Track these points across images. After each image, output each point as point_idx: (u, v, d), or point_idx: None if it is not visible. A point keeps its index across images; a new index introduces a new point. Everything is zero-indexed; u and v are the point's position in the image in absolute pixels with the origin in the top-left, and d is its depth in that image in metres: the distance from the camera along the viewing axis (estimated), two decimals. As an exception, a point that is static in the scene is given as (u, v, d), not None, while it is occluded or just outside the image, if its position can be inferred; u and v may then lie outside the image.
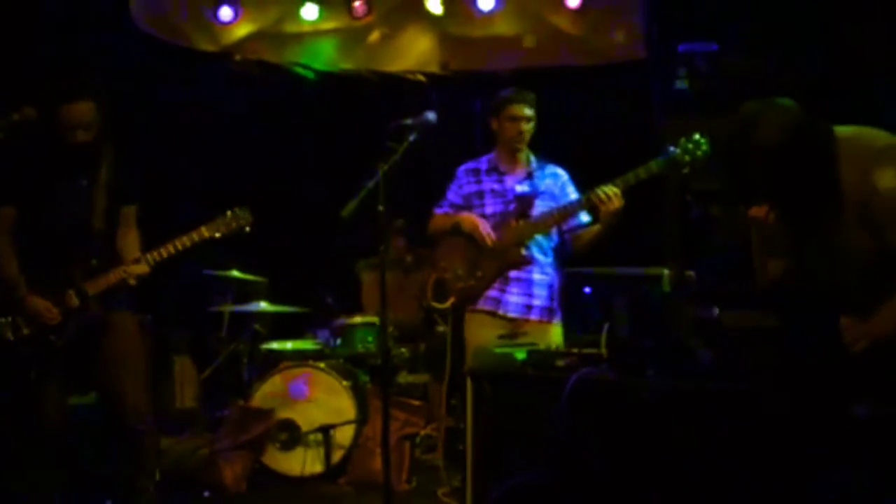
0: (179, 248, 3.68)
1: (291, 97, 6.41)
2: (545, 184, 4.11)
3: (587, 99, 6.11)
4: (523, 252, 3.99)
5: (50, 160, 3.62)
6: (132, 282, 3.61)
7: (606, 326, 3.00)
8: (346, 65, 6.36)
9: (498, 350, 3.27)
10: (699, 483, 2.55)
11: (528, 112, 4.05)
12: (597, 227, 3.97)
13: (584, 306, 4.38)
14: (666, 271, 4.53)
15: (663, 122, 5.60)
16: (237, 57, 6.23)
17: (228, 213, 3.75)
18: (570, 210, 3.97)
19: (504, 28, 6.11)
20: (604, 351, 3.07)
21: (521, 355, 3.14)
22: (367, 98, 6.29)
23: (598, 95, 6.04)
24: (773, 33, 5.13)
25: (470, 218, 4.06)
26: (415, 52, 6.27)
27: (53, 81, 3.58)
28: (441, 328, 5.43)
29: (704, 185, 5.88)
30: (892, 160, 2.45)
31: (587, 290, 4.62)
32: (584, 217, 4.03)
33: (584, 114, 6.11)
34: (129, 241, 3.70)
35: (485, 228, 4.00)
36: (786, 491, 2.41)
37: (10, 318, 3.54)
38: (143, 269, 3.61)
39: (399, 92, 6.23)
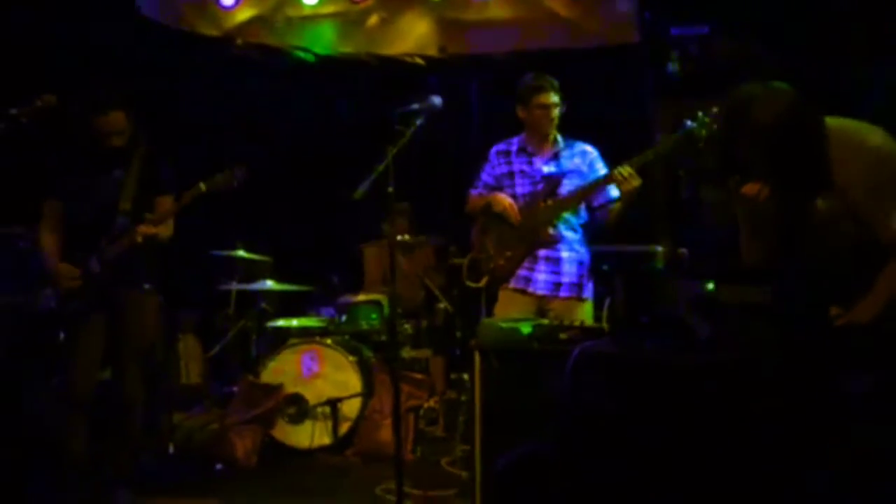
0: (183, 204, 3.94)
1: (293, 80, 6.50)
2: (573, 163, 4.23)
3: (581, 81, 6.23)
4: (551, 231, 4.13)
5: (90, 158, 3.93)
6: (139, 239, 3.83)
7: (608, 301, 3.16)
8: (346, 48, 6.44)
9: (504, 324, 3.41)
10: (697, 450, 2.67)
11: (555, 98, 4.17)
12: (618, 205, 4.11)
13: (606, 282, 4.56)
14: (659, 248, 4.72)
15: (655, 104, 5.77)
16: (238, 41, 6.32)
17: (226, 169, 3.99)
18: (594, 186, 4.10)
19: (500, 12, 6.22)
20: (605, 325, 3.24)
21: (526, 329, 3.28)
22: (368, 81, 6.40)
23: (591, 78, 6.16)
24: (762, 16, 5.25)
25: (500, 198, 4.20)
26: (413, 36, 6.36)
27: (87, 93, 3.88)
28: (442, 305, 5.61)
29: (699, 163, 6.05)
30: (869, 155, 2.60)
31: (605, 266, 4.79)
32: (614, 191, 4.13)
33: (578, 96, 6.23)
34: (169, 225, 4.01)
35: (513, 209, 4.16)
36: (781, 459, 2.54)
37: (46, 290, 3.89)
38: (148, 228, 3.85)
39: (398, 75, 6.33)
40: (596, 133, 4.42)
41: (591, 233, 4.30)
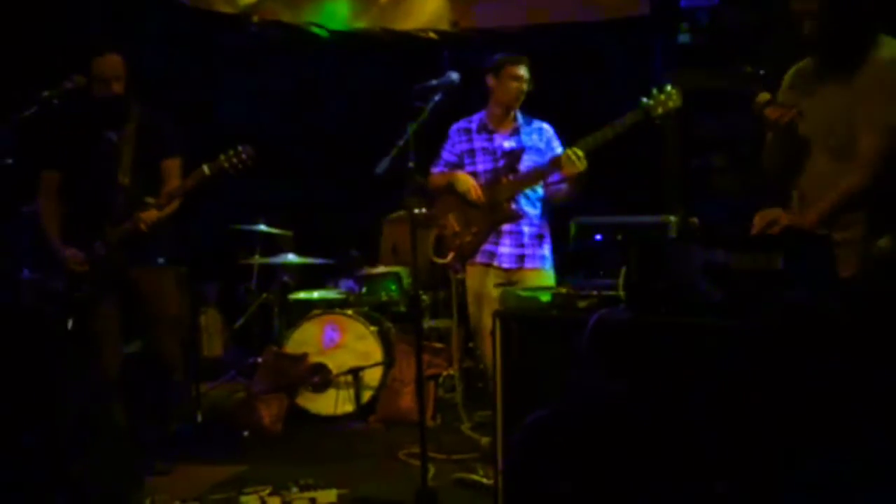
0: (186, 188, 3.83)
1: (311, 56, 6.60)
2: (531, 139, 4.33)
3: (592, 53, 6.31)
4: (513, 206, 4.24)
5: (81, 120, 3.82)
6: (143, 227, 3.77)
7: (623, 270, 3.25)
8: (360, 24, 6.52)
9: (523, 293, 3.53)
10: (710, 412, 2.77)
11: (526, 73, 4.28)
12: (564, 189, 4.20)
13: (596, 252, 4.67)
14: (672, 218, 4.82)
15: (666, 75, 5.83)
16: (255, 18, 6.41)
17: (230, 150, 3.84)
18: (544, 173, 4.18)
19: (511, -14, 6.30)
20: (621, 293, 3.35)
21: (545, 297, 3.39)
22: (383, 55, 6.49)
23: (602, 50, 6.24)
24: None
25: (463, 177, 4.30)
26: (426, 11, 6.42)
27: (84, 39, 3.87)
28: (461, 276, 5.72)
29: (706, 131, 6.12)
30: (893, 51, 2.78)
31: (598, 237, 4.91)
32: (558, 148, 4.27)
33: (588, 68, 6.31)
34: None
35: (475, 187, 4.26)
36: (791, 419, 2.64)
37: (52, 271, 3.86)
38: (151, 214, 3.77)
39: (411, 49, 6.42)
40: (603, 107, 4.50)
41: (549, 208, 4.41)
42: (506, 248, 4.28)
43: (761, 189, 3.39)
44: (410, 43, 6.41)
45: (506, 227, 4.27)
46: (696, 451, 2.66)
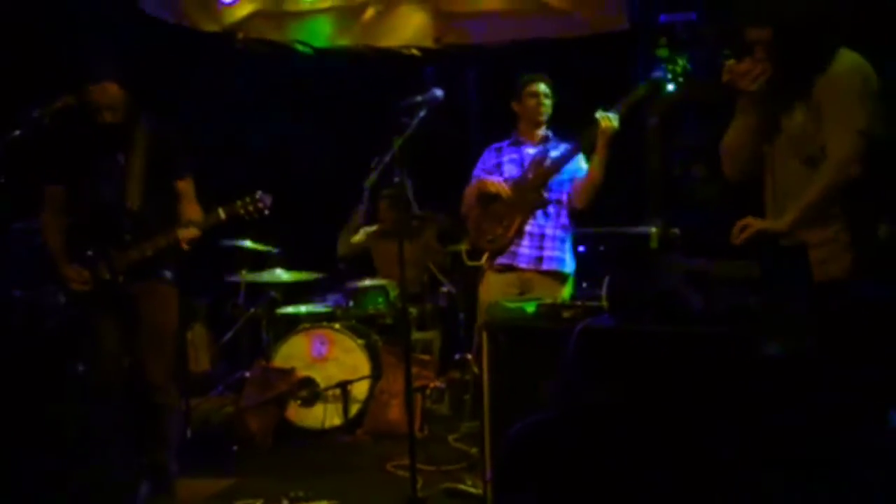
0: (202, 229, 3.74)
1: (295, 72, 6.65)
2: (558, 151, 4.41)
3: (574, 70, 6.39)
4: (542, 193, 4.33)
5: (89, 139, 3.74)
6: (185, 246, 3.71)
7: (606, 281, 3.32)
8: (344, 41, 6.57)
9: (510, 304, 3.59)
10: (693, 417, 2.83)
11: (545, 89, 4.43)
12: (596, 158, 4.24)
13: (579, 262, 4.75)
14: (654, 228, 4.91)
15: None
16: (240, 36, 6.46)
17: (248, 196, 3.78)
18: (577, 149, 4.30)
19: (493, 3, 6.35)
20: (604, 303, 3.42)
21: (530, 308, 3.46)
22: (367, 72, 6.55)
23: (584, 66, 6.32)
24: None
25: (488, 179, 4.41)
26: (409, 28, 6.48)
27: (81, 63, 3.71)
28: (445, 288, 5.80)
29: (687, 143, 6.22)
30: (861, 73, 2.85)
31: (581, 248, 5.00)
32: (584, 165, 4.36)
33: (571, 84, 6.39)
34: (192, 213, 3.81)
35: (502, 184, 4.36)
36: (771, 422, 2.70)
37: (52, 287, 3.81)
38: (193, 232, 3.70)
39: (395, 66, 6.48)
40: (586, 120, 4.57)
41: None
42: (525, 249, 4.35)
43: (742, 199, 3.45)
44: (394, 59, 6.48)
45: (528, 227, 4.34)
46: (681, 458, 2.71)
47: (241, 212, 3.75)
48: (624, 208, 5.45)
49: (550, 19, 6.25)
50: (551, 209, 4.38)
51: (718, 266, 2.82)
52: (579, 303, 3.44)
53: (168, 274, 3.87)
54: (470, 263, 4.47)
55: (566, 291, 4.36)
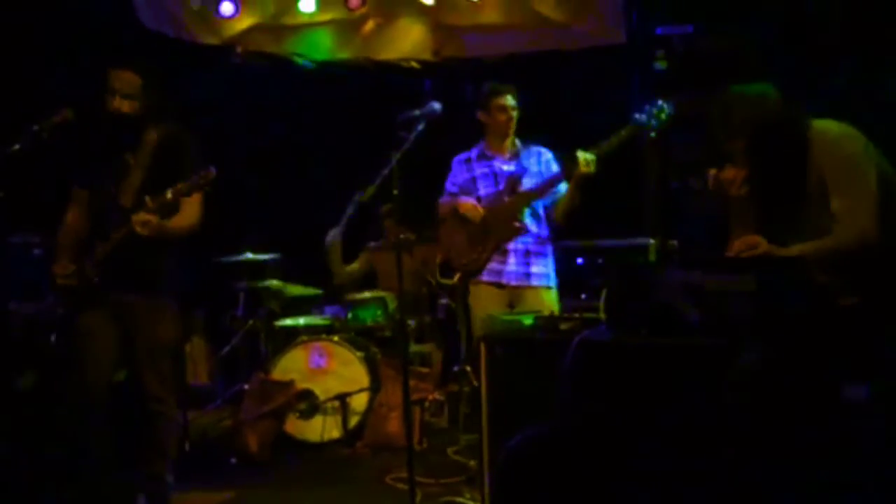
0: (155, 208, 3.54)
1: (295, 85, 6.68)
2: (530, 162, 4.46)
3: (571, 82, 6.42)
4: (518, 224, 4.34)
5: (105, 140, 3.71)
6: (141, 230, 3.48)
7: (604, 293, 3.33)
8: (344, 54, 6.60)
9: (507, 317, 3.60)
10: (690, 429, 2.83)
11: (513, 102, 4.43)
12: (568, 192, 4.29)
13: (579, 275, 4.78)
14: (651, 241, 4.93)
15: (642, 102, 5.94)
16: (239, 49, 6.49)
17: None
18: (555, 181, 4.32)
19: (491, 16, 6.38)
20: (602, 315, 3.43)
21: (528, 321, 3.47)
22: (366, 85, 6.58)
23: (581, 78, 6.35)
24: (746, 16, 5.45)
25: (465, 201, 4.42)
26: (408, 41, 6.52)
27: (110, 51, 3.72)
28: (443, 301, 5.80)
29: (684, 156, 6.24)
30: (849, 137, 2.83)
31: (579, 260, 5.02)
32: (563, 187, 4.37)
33: (568, 96, 6.42)
34: (188, 214, 3.67)
35: (477, 209, 4.37)
36: (767, 433, 2.71)
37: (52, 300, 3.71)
38: (148, 216, 3.49)
39: (394, 79, 6.52)
40: (583, 132, 4.60)
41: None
42: (512, 267, 4.37)
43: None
44: (394, 72, 6.51)
45: (511, 245, 4.36)
46: (677, 471, 2.71)
47: (185, 189, 3.55)
48: (622, 221, 5.47)
49: (548, 32, 6.28)
50: (532, 225, 4.39)
51: (714, 279, 2.83)
52: (577, 315, 3.45)
53: (167, 286, 3.78)
54: (442, 281, 4.49)
55: (553, 303, 4.39)
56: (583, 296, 4.60)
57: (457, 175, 4.56)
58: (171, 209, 3.60)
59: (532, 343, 3.38)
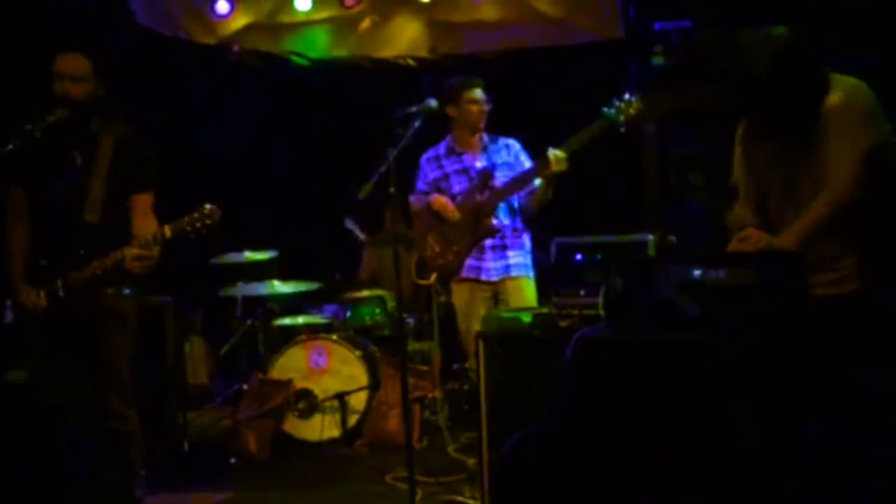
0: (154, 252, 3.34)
1: (291, 83, 6.66)
2: (501, 156, 4.47)
3: (568, 77, 6.40)
4: (492, 221, 4.34)
5: (47, 134, 3.40)
6: (132, 266, 3.29)
7: (603, 289, 3.31)
8: (340, 52, 6.60)
9: (505, 314, 3.59)
10: (690, 425, 2.82)
11: (483, 95, 4.43)
12: (541, 189, 4.28)
13: (576, 271, 4.75)
14: (650, 237, 4.90)
15: (642, 96, 5.95)
16: (235, 48, 6.47)
17: (196, 212, 3.34)
18: (527, 178, 4.31)
19: (488, 12, 6.38)
20: (601, 311, 3.41)
21: (527, 318, 3.46)
22: (363, 82, 6.57)
23: (578, 74, 6.33)
24: (744, 11, 5.43)
25: (438, 199, 4.42)
26: (404, 38, 6.51)
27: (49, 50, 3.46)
28: (443, 298, 5.77)
29: (684, 151, 6.24)
30: (860, 88, 2.81)
31: (578, 256, 4.99)
32: (538, 182, 4.36)
33: (564, 92, 6.41)
34: (144, 230, 3.40)
35: (451, 207, 4.36)
36: (765, 428, 2.69)
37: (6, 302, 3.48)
38: (135, 251, 3.30)
39: (391, 76, 6.50)
40: (581, 128, 4.57)
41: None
42: (491, 263, 4.39)
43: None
44: (389, 69, 6.49)
45: (489, 242, 4.38)
46: (679, 467, 2.70)
47: (189, 228, 3.32)
48: (621, 216, 5.45)
49: (545, 28, 6.28)
50: (506, 220, 4.39)
51: (713, 274, 2.81)
52: (576, 311, 3.44)
53: (125, 291, 3.52)
54: (419, 282, 4.48)
55: (532, 293, 4.41)
56: (581, 292, 4.55)
57: (427, 173, 4.55)
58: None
59: (531, 340, 3.38)
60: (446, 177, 4.47)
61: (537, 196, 4.35)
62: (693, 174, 6.25)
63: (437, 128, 4.47)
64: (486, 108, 4.44)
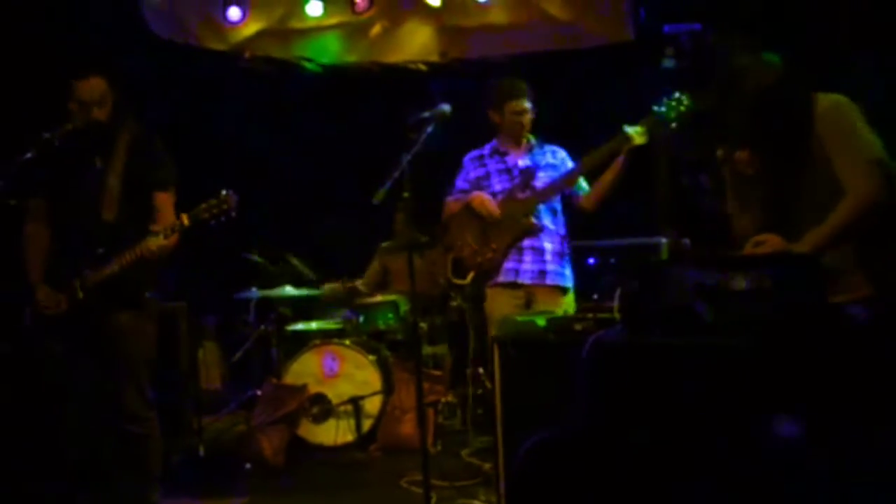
0: (171, 242, 3.45)
1: (302, 89, 6.69)
2: (546, 158, 4.40)
3: (579, 81, 6.41)
4: (532, 220, 4.28)
5: (69, 144, 3.51)
6: (152, 252, 3.38)
7: (618, 293, 3.31)
8: (351, 58, 6.63)
9: (520, 318, 3.58)
10: (704, 429, 2.81)
11: (528, 105, 4.36)
12: (613, 173, 4.20)
13: (592, 275, 4.75)
14: (663, 240, 4.90)
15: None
16: (246, 54, 6.50)
17: (213, 199, 3.45)
18: (571, 179, 4.25)
19: (498, 17, 6.39)
20: (616, 315, 3.41)
21: (541, 322, 3.45)
22: (374, 87, 6.59)
23: (589, 77, 6.34)
24: (754, 13, 5.43)
25: (478, 196, 4.32)
26: (415, 43, 6.53)
27: (66, 60, 3.59)
28: (456, 303, 5.78)
29: (695, 153, 6.22)
30: (847, 104, 2.80)
31: (591, 260, 4.99)
32: (584, 185, 4.32)
33: (576, 95, 6.41)
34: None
35: (492, 203, 4.30)
36: (781, 431, 2.69)
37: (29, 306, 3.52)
38: (158, 240, 3.39)
39: (402, 81, 6.52)
40: (591, 131, 4.57)
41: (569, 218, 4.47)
42: (528, 265, 4.30)
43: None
44: (401, 74, 6.51)
45: (527, 243, 4.29)
46: (694, 471, 2.69)
47: (206, 216, 3.42)
48: (634, 220, 5.45)
49: (555, 32, 6.28)
50: (548, 223, 4.35)
51: (728, 278, 2.80)
52: (591, 315, 3.43)
53: (144, 297, 3.60)
54: (456, 282, 4.43)
55: (569, 304, 4.33)
56: (594, 296, 4.54)
57: (469, 172, 4.49)
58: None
59: (545, 344, 3.35)
60: (488, 175, 4.42)
61: (603, 185, 4.25)
62: (705, 176, 6.23)
63: (483, 133, 4.48)
64: (532, 115, 4.40)
